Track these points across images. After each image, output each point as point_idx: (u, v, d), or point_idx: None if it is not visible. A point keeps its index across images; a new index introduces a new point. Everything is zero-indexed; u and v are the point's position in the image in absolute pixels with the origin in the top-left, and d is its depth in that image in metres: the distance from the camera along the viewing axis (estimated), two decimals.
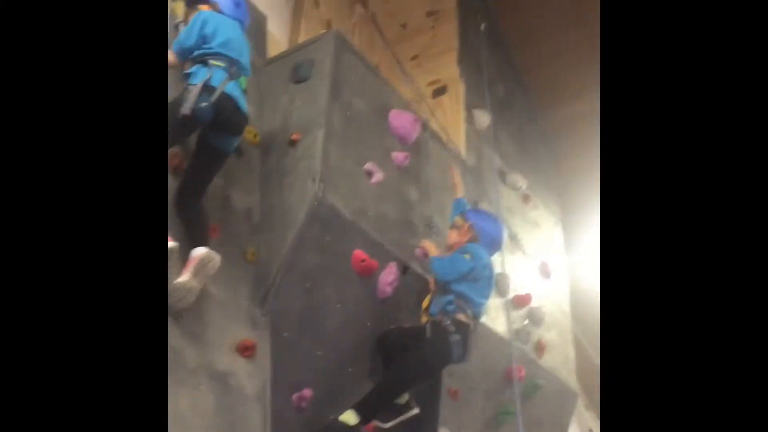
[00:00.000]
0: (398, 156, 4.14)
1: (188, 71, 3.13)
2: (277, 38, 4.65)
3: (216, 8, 3.33)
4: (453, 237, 4.00)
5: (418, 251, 4.01)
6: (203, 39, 3.15)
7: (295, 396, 3.38)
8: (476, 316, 3.76)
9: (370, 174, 3.85)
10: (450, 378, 4.18)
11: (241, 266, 3.28)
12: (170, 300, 2.74)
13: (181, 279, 2.82)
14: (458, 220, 4.07)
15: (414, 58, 5.89)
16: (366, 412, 3.42)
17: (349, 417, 3.37)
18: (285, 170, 3.64)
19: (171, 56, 3.19)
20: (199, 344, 2.94)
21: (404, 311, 3.92)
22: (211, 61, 3.10)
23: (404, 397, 3.75)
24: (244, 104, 3.15)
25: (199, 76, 3.05)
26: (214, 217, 3.25)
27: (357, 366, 3.69)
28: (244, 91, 3.19)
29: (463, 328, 3.64)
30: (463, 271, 3.73)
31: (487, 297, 3.85)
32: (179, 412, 2.64)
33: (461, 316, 3.68)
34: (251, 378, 2.99)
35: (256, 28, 4.18)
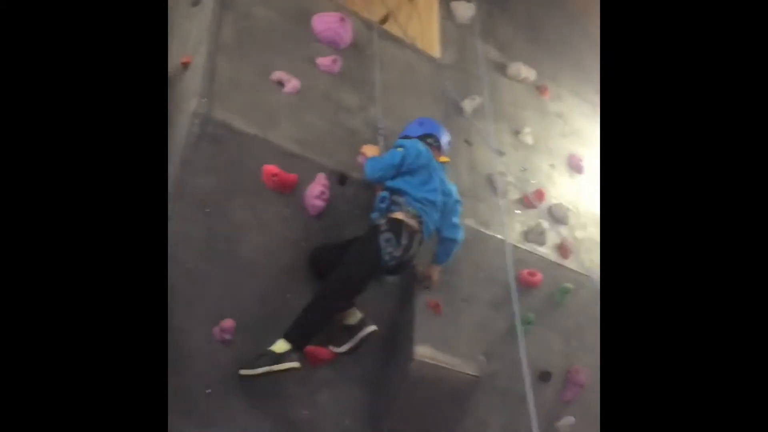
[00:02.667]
0: (324, 61, 3.76)
1: None
2: None
3: None
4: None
5: (360, 158, 3.62)
6: None
7: (215, 329, 3.15)
8: (419, 214, 3.31)
9: (281, 84, 3.52)
10: (428, 291, 3.74)
11: None
12: None
13: None
14: None
15: None
16: (296, 337, 3.13)
17: (279, 345, 3.10)
18: (179, 97, 3.40)
19: None
20: None
21: (351, 225, 3.54)
22: None
23: (356, 316, 3.40)
24: None
25: None
26: None
27: (296, 290, 3.37)
28: None
29: (396, 226, 3.21)
30: (393, 162, 3.33)
31: (432, 191, 3.38)
32: None
33: (398, 214, 3.27)
34: None
35: None
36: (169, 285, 3.03)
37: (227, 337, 3.15)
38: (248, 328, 3.22)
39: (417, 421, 3.58)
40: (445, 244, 3.54)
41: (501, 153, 4.45)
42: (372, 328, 3.38)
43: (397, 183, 3.34)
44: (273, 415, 3.29)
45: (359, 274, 3.21)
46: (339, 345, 3.38)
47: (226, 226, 3.21)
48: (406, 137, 3.64)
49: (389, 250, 3.16)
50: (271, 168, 3.28)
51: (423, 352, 3.51)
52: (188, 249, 3.12)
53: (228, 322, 3.15)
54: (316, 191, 3.38)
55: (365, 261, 3.19)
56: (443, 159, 3.65)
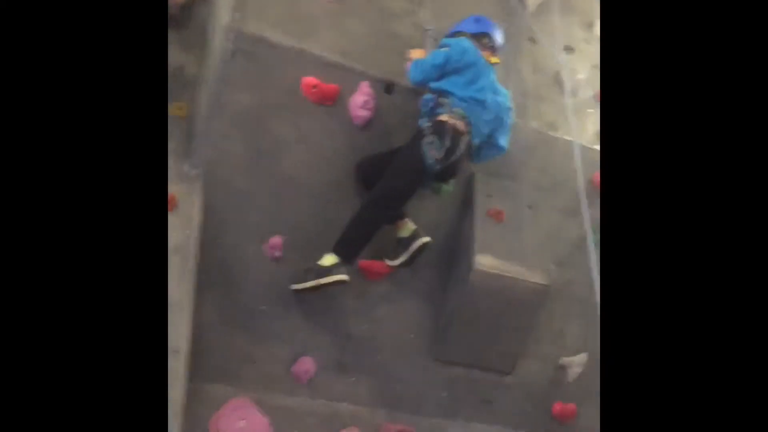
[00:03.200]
0: None
1: None
2: None
3: None
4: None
5: (407, 64, 3.44)
6: None
7: (264, 246, 3.15)
8: (465, 115, 3.12)
9: None
10: (489, 199, 3.57)
11: None
12: None
13: None
14: None
15: None
16: (344, 250, 3.07)
17: (327, 259, 3.06)
18: (216, 14, 3.34)
19: None
20: None
21: (401, 135, 3.39)
22: None
23: (409, 228, 3.30)
24: None
25: None
26: None
27: (344, 204, 3.29)
28: None
29: (440, 128, 3.05)
30: (437, 63, 3.14)
31: (480, 90, 3.17)
32: None
33: (443, 116, 3.09)
34: (170, 231, 2.82)
35: None
36: (213, 204, 3.05)
37: (276, 254, 3.14)
38: (298, 243, 3.20)
39: (483, 333, 3.49)
40: (490, 148, 3.32)
41: (570, 49, 4.12)
42: (425, 239, 3.28)
43: (442, 84, 3.15)
44: (332, 330, 3.30)
45: (404, 182, 3.09)
46: (393, 258, 3.30)
47: (267, 142, 3.16)
48: (458, 33, 3.41)
49: (432, 153, 3.00)
50: (310, 79, 3.18)
51: (484, 261, 3.37)
52: (229, 167, 3.11)
53: (276, 239, 3.14)
54: (360, 101, 3.26)
55: (409, 167, 3.06)
56: (494, 60, 3.39)
